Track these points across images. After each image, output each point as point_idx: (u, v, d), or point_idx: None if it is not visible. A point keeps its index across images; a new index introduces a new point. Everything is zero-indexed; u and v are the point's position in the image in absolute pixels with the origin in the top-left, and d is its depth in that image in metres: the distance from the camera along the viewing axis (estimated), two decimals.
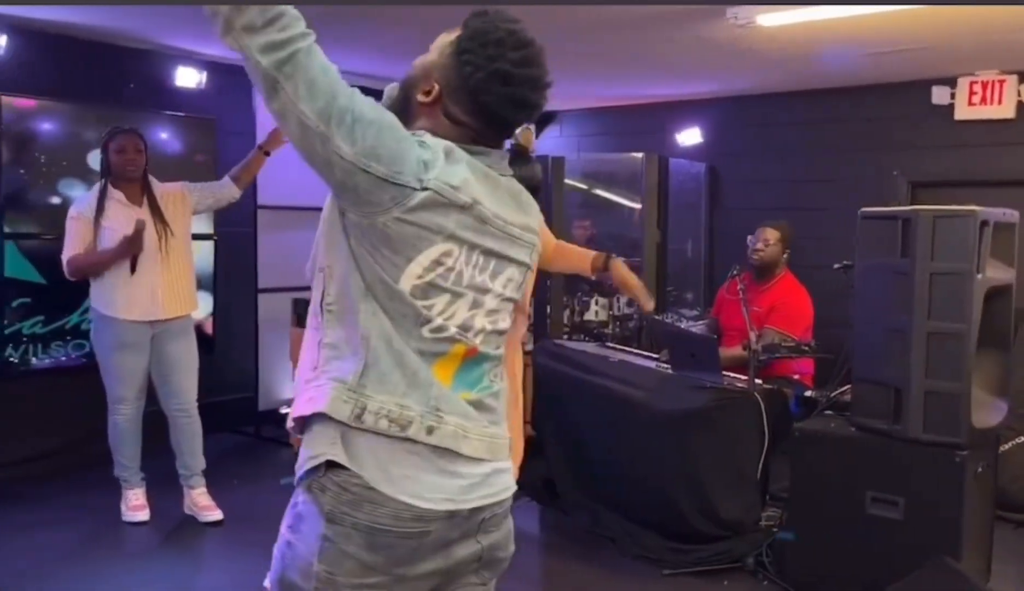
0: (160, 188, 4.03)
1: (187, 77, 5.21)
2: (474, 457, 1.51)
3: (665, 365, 4.20)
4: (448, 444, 1.47)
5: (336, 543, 1.43)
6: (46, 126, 4.65)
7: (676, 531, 3.76)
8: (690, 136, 6.33)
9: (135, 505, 4.08)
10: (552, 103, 6.47)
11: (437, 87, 1.52)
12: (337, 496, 1.44)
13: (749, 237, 4.72)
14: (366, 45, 4.70)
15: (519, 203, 1.60)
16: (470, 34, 1.50)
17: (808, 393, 3.88)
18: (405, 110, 1.55)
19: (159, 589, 3.49)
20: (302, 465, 1.49)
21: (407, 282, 1.44)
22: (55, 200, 4.65)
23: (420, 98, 1.54)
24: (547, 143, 7.27)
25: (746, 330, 3.97)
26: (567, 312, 5.69)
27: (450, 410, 1.49)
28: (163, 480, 4.15)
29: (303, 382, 1.52)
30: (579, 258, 3.17)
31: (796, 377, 4.43)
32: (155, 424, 4.10)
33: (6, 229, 4.50)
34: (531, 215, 1.64)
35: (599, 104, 6.90)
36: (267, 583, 1.54)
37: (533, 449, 4.86)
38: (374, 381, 1.44)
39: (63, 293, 4.65)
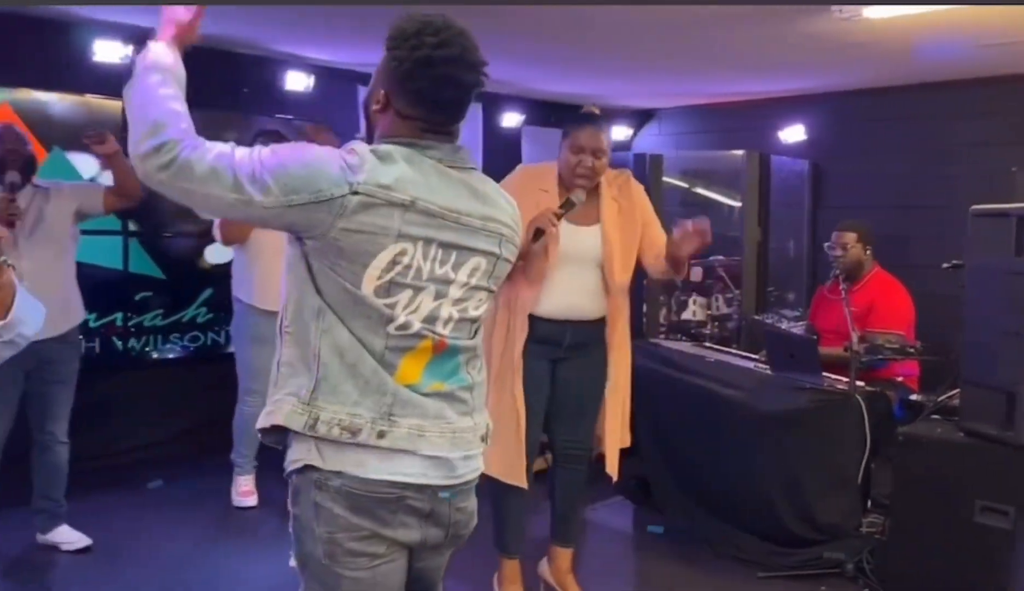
0: None
1: (296, 81, 5.41)
2: (432, 455, 1.62)
3: (764, 366, 4.14)
4: (401, 446, 1.59)
5: (326, 507, 1.59)
6: None
7: (773, 533, 3.70)
8: (793, 133, 6.19)
9: (245, 491, 4.28)
10: (651, 101, 6.43)
11: (383, 92, 1.65)
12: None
13: (826, 244, 4.58)
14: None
15: (478, 195, 1.68)
16: (393, 34, 1.62)
17: (913, 396, 3.76)
18: (369, 127, 1.72)
19: (282, 569, 3.64)
20: (287, 467, 1.66)
21: (368, 286, 1.56)
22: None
23: (374, 108, 1.68)
24: (646, 141, 7.24)
25: (843, 332, 3.88)
26: (664, 311, 5.65)
27: (406, 413, 1.60)
28: (268, 468, 4.34)
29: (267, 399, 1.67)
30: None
31: (900, 380, 4.28)
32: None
33: (131, 227, 4.78)
34: (495, 206, 1.71)
35: (699, 101, 6.82)
36: (292, 562, 1.69)
37: (628, 448, 4.85)
38: (326, 393, 1.57)
39: (181, 288, 4.93)
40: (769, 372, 4.03)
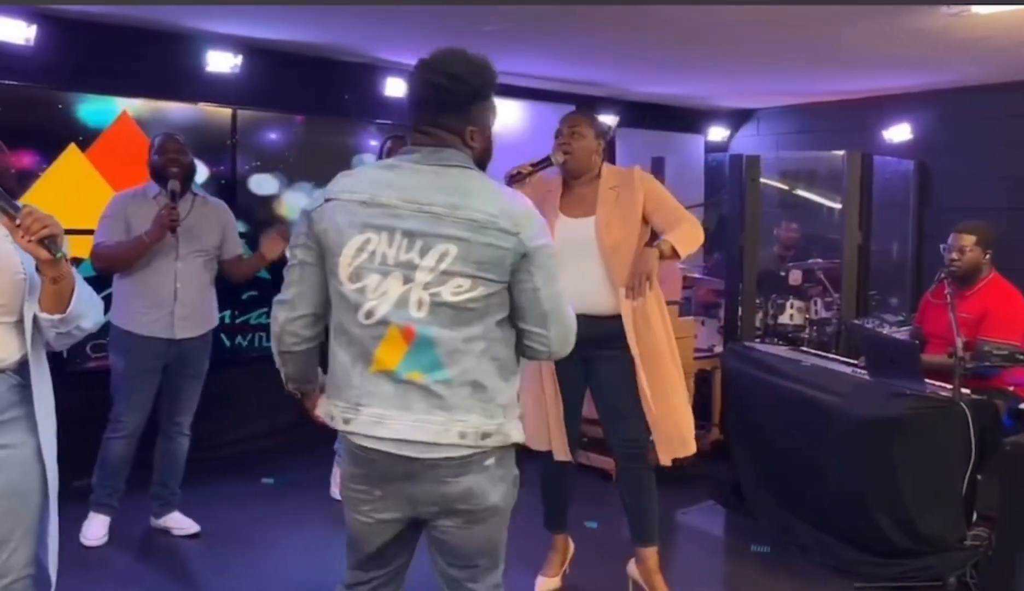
0: None
1: (395, 87, 5.56)
2: (393, 438, 1.87)
3: (862, 371, 4.03)
4: (363, 430, 1.90)
5: (343, 457, 2.02)
6: (273, 135, 5.14)
7: (870, 543, 3.61)
8: (899, 132, 6.01)
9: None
10: (750, 101, 6.35)
11: None
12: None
13: (942, 245, 4.28)
14: (548, 49, 4.84)
15: (449, 189, 1.87)
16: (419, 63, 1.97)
17: (1023, 406, 3.60)
18: None
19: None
20: None
21: (344, 272, 1.87)
22: (280, 201, 5.12)
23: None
24: (744, 142, 7.14)
25: (951, 338, 3.73)
26: (760, 315, 5.55)
27: (369, 402, 1.89)
28: None
29: None
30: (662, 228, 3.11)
31: (1011, 389, 4.10)
32: None
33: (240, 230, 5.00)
34: (470, 196, 1.87)
35: (799, 101, 6.69)
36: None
37: (720, 452, 4.81)
38: (327, 391, 2.01)
39: None
40: (867, 377, 3.92)
